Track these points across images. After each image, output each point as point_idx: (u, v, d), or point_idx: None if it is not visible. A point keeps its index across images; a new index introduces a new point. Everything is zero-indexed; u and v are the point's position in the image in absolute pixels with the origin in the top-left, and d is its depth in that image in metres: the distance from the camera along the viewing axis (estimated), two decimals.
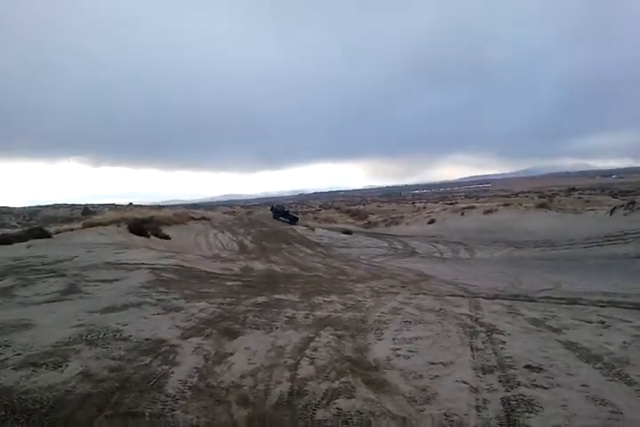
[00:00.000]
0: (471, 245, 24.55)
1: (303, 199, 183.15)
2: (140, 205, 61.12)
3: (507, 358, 4.58)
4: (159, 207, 54.38)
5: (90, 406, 3.43)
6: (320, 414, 3.44)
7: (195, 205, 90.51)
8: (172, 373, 4.12)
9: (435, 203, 66.48)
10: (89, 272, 9.25)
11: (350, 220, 48.15)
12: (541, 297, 8.56)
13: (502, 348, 4.93)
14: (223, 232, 26.62)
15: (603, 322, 6.05)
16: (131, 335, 5.14)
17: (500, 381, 3.98)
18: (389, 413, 3.44)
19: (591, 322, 6.08)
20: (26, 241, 15.61)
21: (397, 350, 4.91)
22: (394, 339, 5.33)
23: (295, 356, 4.68)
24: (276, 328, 5.74)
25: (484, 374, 4.16)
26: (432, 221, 37.10)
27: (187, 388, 3.83)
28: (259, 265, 14.60)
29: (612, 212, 27.99)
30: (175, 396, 3.67)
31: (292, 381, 4.02)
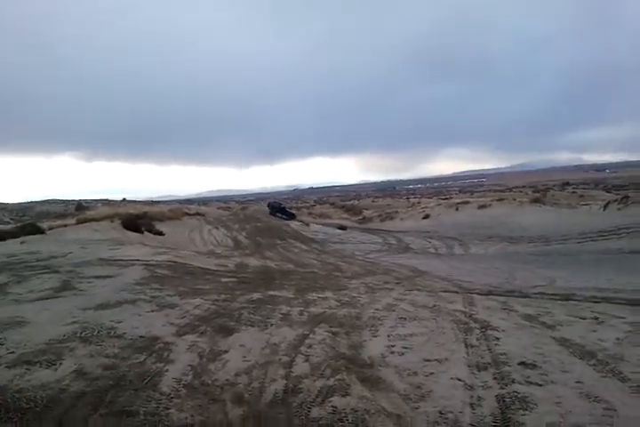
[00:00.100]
0: (465, 241, 24.58)
1: (298, 194, 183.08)
2: (134, 201, 60.93)
3: (501, 354, 4.59)
4: (153, 203, 54.23)
5: (84, 405, 3.42)
6: (315, 411, 3.44)
7: (189, 201, 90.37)
8: (167, 371, 4.11)
9: (429, 198, 66.56)
10: (83, 269, 9.22)
11: (345, 215, 48.13)
12: (535, 293, 8.58)
13: (496, 344, 4.95)
14: (217, 228, 26.56)
15: (596, 318, 6.07)
16: (125, 333, 5.12)
17: (495, 378, 3.99)
18: (384, 410, 3.45)
19: (585, 318, 6.11)
20: (19, 237, 15.55)
21: (392, 346, 4.92)
22: (388, 336, 5.34)
23: (290, 353, 4.68)
24: (271, 325, 5.74)
25: (479, 371, 4.17)
26: (426, 217, 37.11)
27: (181, 386, 3.83)
28: (253, 261, 14.59)
29: (605, 206, 28.11)
30: (170, 394, 3.66)
31: (286, 378, 4.02)
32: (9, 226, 24.57)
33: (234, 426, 3.30)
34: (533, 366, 4.26)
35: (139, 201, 61.78)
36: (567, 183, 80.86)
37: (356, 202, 69.51)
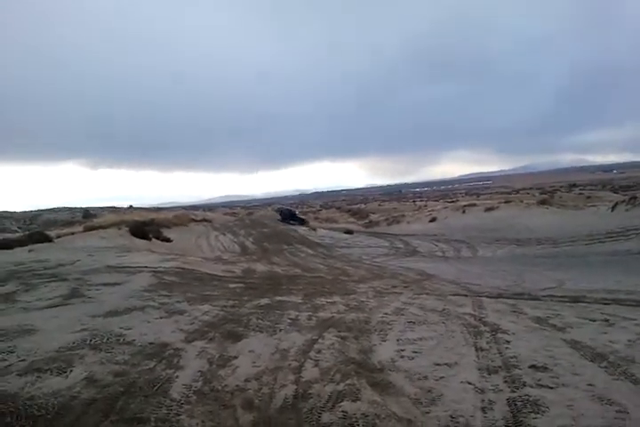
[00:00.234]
0: (473, 244, 24.49)
1: (304, 199, 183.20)
2: (140, 208, 61.12)
3: (511, 357, 4.57)
4: (159, 209, 54.38)
5: (95, 412, 3.43)
6: (325, 417, 3.43)
7: (194, 207, 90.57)
8: (177, 377, 4.12)
9: (435, 201, 66.50)
10: (91, 276, 9.25)
11: (351, 219, 48.11)
12: (545, 295, 8.55)
13: (507, 347, 4.92)
14: (224, 234, 26.58)
15: (607, 320, 6.03)
16: (134, 339, 5.14)
17: (506, 381, 3.96)
18: (395, 415, 3.43)
19: (595, 320, 6.07)
20: (27, 246, 15.61)
21: (402, 351, 4.90)
22: (398, 340, 5.32)
23: (299, 358, 4.68)
24: (280, 330, 5.74)
25: (489, 374, 4.15)
26: (433, 220, 37.03)
27: (191, 392, 3.83)
28: (260, 267, 14.59)
29: (613, 208, 27.93)
30: (180, 400, 3.66)
31: (296, 384, 4.02)
32: (16, 234, 24.68)
33: None
34: (544, 368, 4.24)
35: (145, 208, 62.00)
36: (574, 184, 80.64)
37: (363, 206, 69.47)
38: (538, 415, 3.36)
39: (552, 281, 11.18)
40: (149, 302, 7.14)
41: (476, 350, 4.90)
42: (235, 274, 12.07)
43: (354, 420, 3.37)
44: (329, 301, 7.85)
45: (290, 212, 40.58)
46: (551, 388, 3.81)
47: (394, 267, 16.08)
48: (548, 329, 5.70)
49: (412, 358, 4.67)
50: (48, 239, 17.27)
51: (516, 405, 3.51)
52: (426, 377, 4.14)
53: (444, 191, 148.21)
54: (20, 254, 13.60)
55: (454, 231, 30.41)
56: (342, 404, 3.60)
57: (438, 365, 4.45)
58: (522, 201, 38.82)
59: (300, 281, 10.93)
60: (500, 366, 4.33)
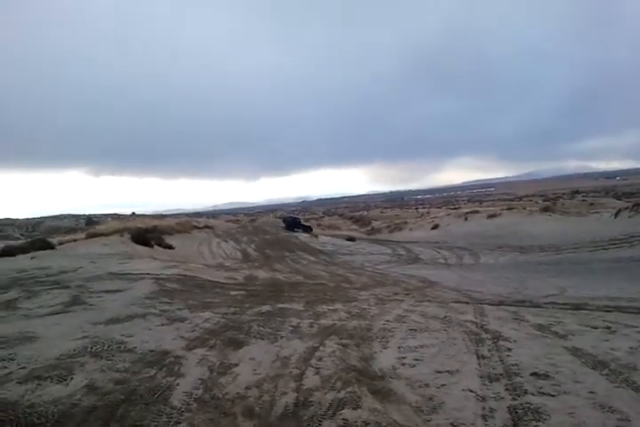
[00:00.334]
0: (475, 251, 24.48)
1: (306, 206, 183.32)
2: (143, 215, 61.25)
3: (513, 365, 4.55)
4: (162, 216, 54.48)
5: (96, 420, 3.43)
6: (326, 425, 3.42)
7: (198, 214, 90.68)
8: (178, 384, 4.11)
9: (438, 208, 66.43)
10: (93, 283, 9.26)
11: (354, 226, 48.11)
12: (547, 303, 8.52)
13: (508, 355, 4.90)
14: (226, 241, 26.62)
15: (609, 327, 6.01)
16: (135, 347, 5.13)
17: (507, 389, 3.95)
18: (396, 423, 3.42)
19: (597, 328, 6.05)
20: (29, 253, 15.64)
21: (403, 358, 4.89)
22: (399, 347, 5.31)
23: (300, 366, 4.67)
24: (281, 338, 5.74)
25: (491, 382, 4.13)
26: (436, 227, 37.01)
27: (192, 400, 3.82)
28: (262, 274, 14.61)
29: (616, 214, 27.85)
30: (181, 408, 3.66)
31: (297, 391, 4.01)
32: (19, 241, 24.73)
33: None
34: (546, 376, 4.22)
35: (147, 215, 62.11)
36: (577, 191, 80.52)
37: (365, 213, 69.42)
38: (539, 423, 3.34)
39: (554, 288, 11.16)
40: (151, 309, 7.14)
41: (478, 357, 4.88)
42: (236, 281, 12.07)
43: None
44: (331, 308, 7.84)
45: (294, 219, 40.47)
46: (552, 395, 3.79)
47: (396, 274, 16.08)
48: (550, 337, 5.68)
49: (414, 366, 4.65)
50: (50, 246, 17.30)
51: (517, 413, 3.50)
52: (427, 385, 4.13)
53: (447, 198, 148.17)
54: (23, 261, 13.64)
55: (457, 238, 30.39)
56: (343, 412, 3.59)
57: (440, 372, 4.44)
58: (525, 208, 38.80)
59: (302, 288, 10.92)
60: (501, 374, 4.32)
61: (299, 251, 24.14)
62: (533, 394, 3.83)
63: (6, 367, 4.38)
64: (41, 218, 67.03)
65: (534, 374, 4.29)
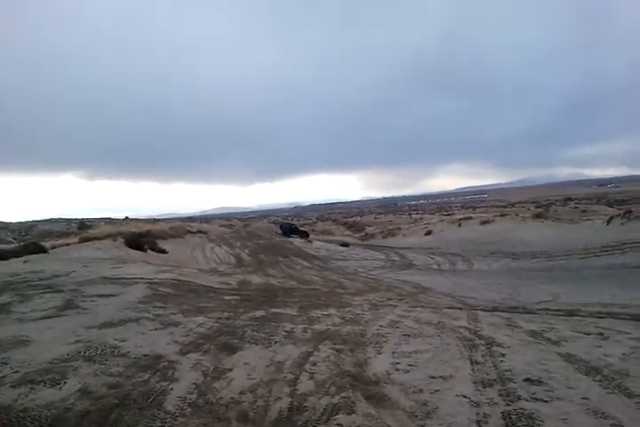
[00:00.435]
0: (468, 257, 24.55)
1: (300, 211, 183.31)
2: (136, 219, 61.08)
3: (506, 371, 4.57)
4: (155, 221, 54.33)
5: (89, 424, 3.41)
6: None
7: (191, 219, 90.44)
8: (171, 389, 4.10)
9: (431, 214, 66.65)
10: (86, 287, 9.21)
11: (347, 232, 48.20)
12: (540, 309, 8.56)
13: (502, 361, 4.93)
14: (220, 246, 26.58)
15: (601, 334, 6.04)
16: (129, 351, 5.11)
17: (501, 394, 3.96)
18: None
19: (590, 334, 6.08)
20: (22, 256, 15.57)
21: (397, 364, 4.90)
22: (393, 353, 5.32)
23: (294, 371, 4.67)
24: (275, 343, 5.73)
25: (484, 387, 4.15)
26: (429, 233, 37.11)
27: (186, 404, 3.81)
28: (256, 279, 14.59)
29: (608, 221, 28.01)
30: (174, 413, 3.65)
31: (291, 396, 4.01)
32: (11, 245, 24.60)
33: None
34: (539, 382, 4.24)
35: (141, 219, 61.93)
36: (569, 198, 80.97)
37: (359, 218, 69.50)
38: None
39: (547, 295, 11.20)
40: (144, 313, 7.11)
41: (471, 363, 4.90)
42: (230, 286, 12.05)
43: None
44: (324, 313, 7.85)
45: (290, 225, 40.49)
46: (546, 401, 3.81)
47: (389, 280, 16.10)
48: (543, 343, 5.70)
49: (408, 371, 4.66)
50: (43, 250, 17.23)
51: (510, 418, 3.51)
52: (421, 390, 4.14)
53: (440, 204, 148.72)
54: (15, 265, 13.56)
55: (450, 244, 30.48)
56: (337, 417, 3.60)
57: (433, 378, 4.45)
58: (517, 215, 38.98)
59: (296, 293, 10.92)
60: (494, 380, 4.33)
61: (292, 256, 24.12)
62: (527, 400, 3.84)
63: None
64: (34, 222, 66.67)
65: (527, 379, 4.31)
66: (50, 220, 70.97)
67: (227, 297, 9.56)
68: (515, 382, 4.24)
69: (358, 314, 7.82)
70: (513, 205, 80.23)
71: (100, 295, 8.45)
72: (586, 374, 4.43)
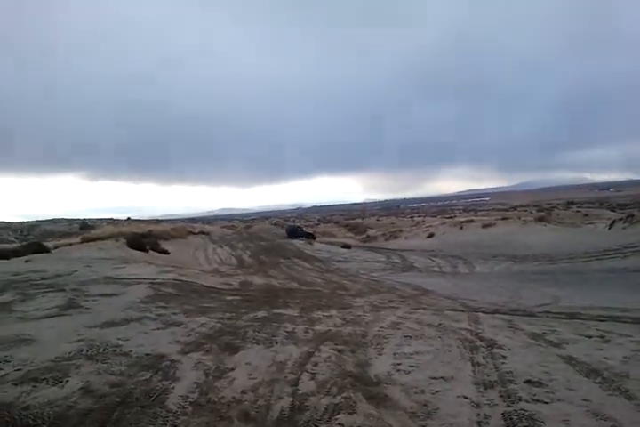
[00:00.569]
0: (470, 260, 24.53)
1: (302, 213, 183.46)
2: (138, 220, 61.20)
3: (507, 372, 4.58)
4: (157, 222, 54.43)
5: (91, 422, 3.42)
6: None
7: (193, 220, 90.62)
8: (173, 388, 4.11)
9: (433, 217, 66.58)
10: (88, 287, 9.24)
11: (349, 234, 48.21)
12: (541, 312, 8.56)
13: (503, 362, 4.93)
14: (222, 247, 26.63)
15: (602, 337, 6.05)
16: (131, 350, 5.12)
17: (501, 396, 3.97)
18: None
19: (591, 337, 6.08)
20: (24, 256, 15.61)
21: (398, 365, 4.91)
22: (394, 354, 5.33)
23: (296, 371, 4.68)
24: (277, 343, 5.74)
25: (485, 388, 4.15)
26: (431, 235, 37.12)
27: (188, 403, 3.82)
28: (257, 280, 14.61)
29: (610, 225, 28.02)
30: (177, 411, 3.66)
31: (293, 396, 4.02)
32: (13, 245, 24.65)
33: None
34: (540, 384, 4.25)
35: (143, 220, 62.06)
36: (571, 202, 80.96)
37: (361, 220, 69.51)
38: None
39: (548, 298, 11.21)
40: (146, 313, 7.13)
41: (472, 364, 4.91)
42: (232, 286, 12.07)
43: None
44: (325, 314, 7.85)
45: (295, 228, 40.60)
46: (546, 403, 3.82)
47: (391, 282, 16.10)
48: (544, 345, 5.70)
49: (409, 372, 4.67)
50: (45, 250, 17.27)
51: (511, 419, 3.52)
52: (422, 391, 4.15)
53: (442, 207, 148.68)
54: (17, 265, 13.59)
55: (452, 247, 30.47)
56: (339, 417, 3.60)
57: (434, 379, 4.46)
58: (519, 218, 38.96)
59: (297, 294, 10.92)
60: (495, 381, 4.34)
61: (294, 258, 24.15)
62: (527, 401, 3.85)
63: (2, 369, 4.36)
64: (36, 222, 66.83)
65: (528, 381, 4.31)
66: (52, 220, 71.15)
67: (228, 298, 9.58)
68: (515, 384, 4.25)
69: (359, 315, 7.83)
70: (515, 208, 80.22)
71: (102, 295, 8.47)
72: (586, 377, 4.44)
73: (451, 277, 18.44)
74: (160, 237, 24.00)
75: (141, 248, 19.76)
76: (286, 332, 6.35)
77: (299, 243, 31.03)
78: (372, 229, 50.37)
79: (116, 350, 5.10)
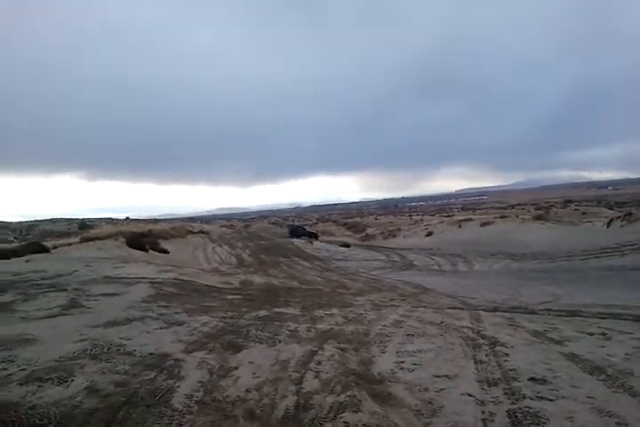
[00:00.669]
0: (469, 258, 24.57)
1: (300, 212, 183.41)
2: (137, 219, 61.15)
3: (510, 370, 4.59)
4: (156, 221, 54.38)
5: (97, 422, 3.43)
6: None
7: (192, 219, 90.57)
8: (178, 387, 4.12)
9: (432, 215, 66.64)
10: (89, 287, 9.24)
11: (348, 233, 48.24)
12: (541, 309, 8.58)
13: (506, 360, 4.94)
14: (221, 246, 26.60)
15: (604, 334, 6.06)
16: (134, 350, 5.13)
17: (506, 393, 3.98)
18: (396, 426, 3.45)
19: (592, 334, 6.10)
20: (23, 256, 15.59)
21: (401, 363, 4.92)
22: (397, 352, 5.34)
23: (299, 369, 4.68)
24: (279, 342, 5.74)
25: (489, 386, 4.16)
26: (429, 234, 37.16)
27: (193, 402, 3.83)
28: (257, 279, 14.61)
29: (609, 224, 28.08)
30: (182, 410, 3.67)
31: (297, 394, 4.02)
32: (13, 245, 24.61)
33: None
34: (543, 381, 4.26)
35: (142, 219, 62.02)
36: (569, 200, 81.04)
37: (359, 219, 69.52)
38: None
39: (548, 295, 11.23)
40: (148, 312, 7.14)
41: (475, 362, 4.91)
42: (232, 286, 12.08)
43: None
44: (327, 313, 7.86)
45: (297, 227, 40.69)
46: (551, 400, 3.83)
47: (391, 280, 16.12)
48: (546, 342, 5.71)
49: (412, 370, 4.67)
50: (45, 250, 17.24)
51: (516, 416, 3.53)
52: (426, 389, 4.16)
53: (440, 206, 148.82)
54: (18, 264, 13.57)
55: (450, 246, 30.50)
56: (344, 415, 3.61)
57: (438, 377, 4.47)
58: (517, 216, 39.01)
59: (298, 293, 10.94)
60: (499, 379, 4.35)
61: (293, 256, 24.15)
62: (532, 398, 3.86)
63: (6, 369, 4.36)
64: (34, 221, 66.74)
65: (532, 378, 4.32)
66: (51, 220, 71.08)
67: (229, 297, 9.58)
68: (519, 381, 4.26)
69: (361, 314, 7.84)
70: (513, 206, 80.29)
71: (103, 294, 8.48)
72: (590, 374, 4.45)
73: (450, 276, 18.48)
74: (159, 237, 23.98)
75: (141, 248, 19.74)
76: (288, 330, 6.36)
77: (298, 242, 31.03)
78: (370, 227, 50.42)
79: (119, 350, 5.11)
